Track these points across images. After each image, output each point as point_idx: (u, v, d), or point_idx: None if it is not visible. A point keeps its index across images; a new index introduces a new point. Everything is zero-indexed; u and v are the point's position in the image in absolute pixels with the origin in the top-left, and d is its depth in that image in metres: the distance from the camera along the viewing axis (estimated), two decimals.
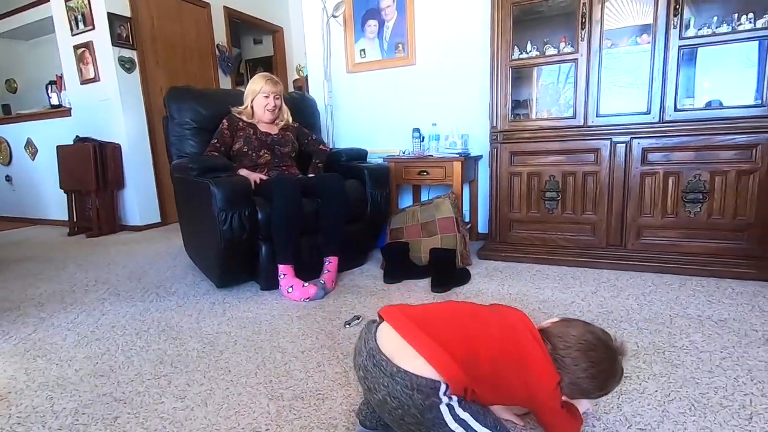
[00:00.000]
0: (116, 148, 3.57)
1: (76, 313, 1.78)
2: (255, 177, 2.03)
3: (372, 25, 2.94)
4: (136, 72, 3.61)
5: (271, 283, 1.94)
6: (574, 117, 2.11)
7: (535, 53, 2.22)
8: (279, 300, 1.84)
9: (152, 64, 3.72)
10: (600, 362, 0.82)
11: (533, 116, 2.42)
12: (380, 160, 2.63)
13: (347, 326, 1.54)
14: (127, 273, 2.35)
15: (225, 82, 4.46)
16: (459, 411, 0.75)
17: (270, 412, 1.06)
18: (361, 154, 2.55)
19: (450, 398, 0.74)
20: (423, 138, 2.74)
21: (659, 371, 1.17)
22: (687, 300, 1.65)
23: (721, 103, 1.96)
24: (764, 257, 1.85)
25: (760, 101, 1.81)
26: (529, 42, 2.25)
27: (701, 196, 1.91)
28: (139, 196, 3.68)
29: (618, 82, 2.16)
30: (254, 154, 2.15)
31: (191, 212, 2.13)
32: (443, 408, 0.74)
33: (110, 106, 3.56)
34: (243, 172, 2.08)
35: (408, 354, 0.76)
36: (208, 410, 1.08)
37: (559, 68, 2.36)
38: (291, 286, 1.84)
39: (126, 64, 3.52)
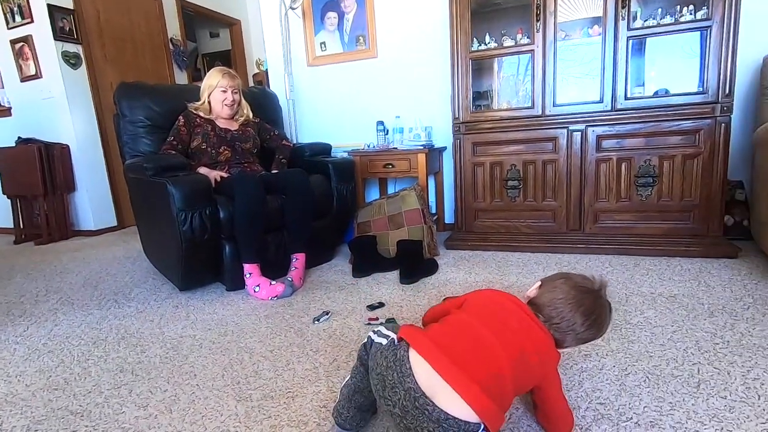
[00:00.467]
0: (64, 149, 3.37)
1: (26, 325, 1.68)
2: (215, 175, 1.97)
3: (332, 17, 2.90)
4: (83, 68, 3.41)
5: (236, 283, 1.89)
6: (532, 107, 2.16)
7: (493, 45, 2.26)
8: (246, 300, 1.79)
9: (100, 59, 3.53)
10: (592, 311, 0.85)
11: (494, 107, 2.47)
12: (345, 154, 2.61)
13: (316, 322, 1.52)
14: (82, 280, 2.23)
15: (181, 78, 4.30)
16: None
17: (238, 413, 1.04)
18: (325, 149, 2.52)
19: None
20: (387, 131, 2.74)
21: (616, 347, 1.23)
22: (641, 279, 1.74)
23: (667, 91, 2.06)
24: (708, 236, 1.97)
25: (701, 89, 1.92)
26: (487, 34, 2.29)
27: (651, 180, 2.01)
28: (93, 199, 3.49)
29: (573, 73, 2.23)
30: (214, 151, 2.08)
31: (149, 214, 2.04)
32: None
33: (55, 104, 3.35)
34: (202, 170, 2.01)
35: (445, 391, 0.72)
36: (172, 417, 1.04)
37: (519, 60, 2.41)
38: (258, 285, 1.80)
39: (71, 60, 3.32)
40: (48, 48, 3.23)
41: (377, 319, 1.51)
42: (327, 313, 1.57)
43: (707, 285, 1.63)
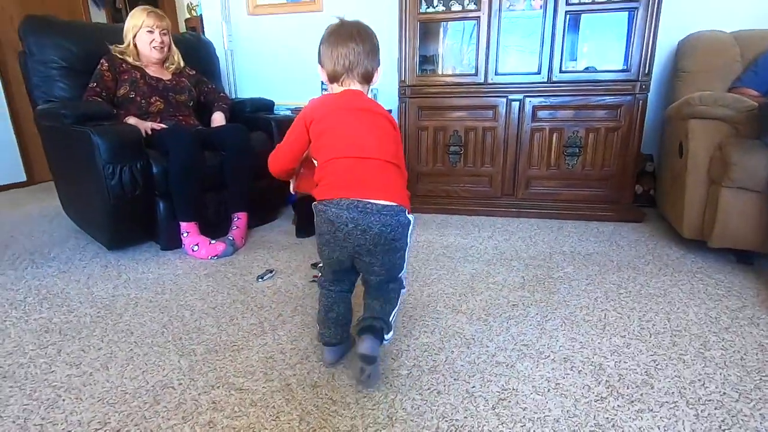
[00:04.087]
0: None
1: None
2: (146, 126, 1.82)
3: None
4: None
5: (172, 243, 1.81)
6: (476, 74, 2.22)
7: (441, 8, 2.26)
8: (183, 259, 1.73)
9: None
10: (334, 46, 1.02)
11: (439, 72, 2.50)
12: (288, 112, 2.53)
13: (260, 280, 1.52)
14: None
15: (99, 17, 3.83)
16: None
17: (182, 367, 1.03)
18: (267, 105, 2.43)
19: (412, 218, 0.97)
20: None
21: (539, 298, 1.37)
22: (563, 240, 1.92)
23: (596, 68, 2.21)
24: (621, 202, 2.20)
25: (626, 66, 2.09)
26: None
27: (578, 150, 2.19)
28: None
29: (514, 43, 2.31)
30: (144, 101, 1.92)
31: (69, 167, 1.86)
32: (411, 224, 0.98)
33: None
34: (132, 120, 1.85)
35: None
36: (109, 373, 1.01)
37: (463, 27, 2.44)
38: (196, 244, 1.74)
39: None
40: None
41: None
42: (271, 272, 1.57)
43: (617, 245, 1.85)
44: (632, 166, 2.15)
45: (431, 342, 1.13)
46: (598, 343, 1.12)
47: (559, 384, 0.96)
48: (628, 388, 0.94)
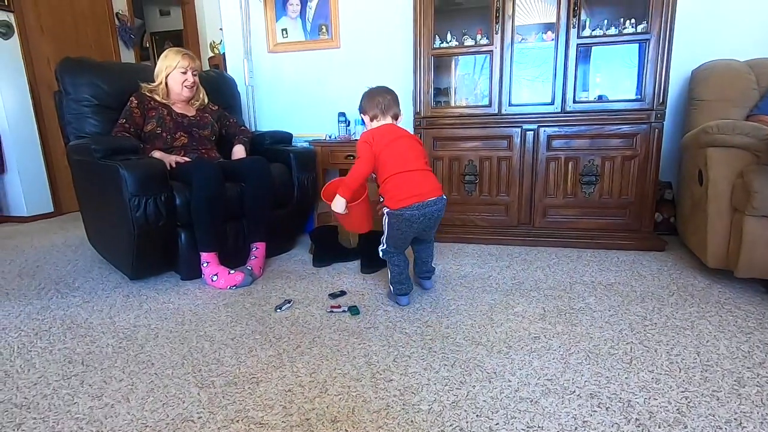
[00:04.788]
0: None
1: None
2: (171, 159, 1.89)
3: (294, 3, 2.85)
4: (15, 38, 3.11)
5: (192, 273, 1.84)
6: (489, 105, 2.26)
7: (454, 43, 2.34)
8: (202, 289, 1.75)
9: (35, 29, 3.24)
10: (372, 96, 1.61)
11: (453, 104, 2.55)
12: (306, 144, 2.60)
13: (278, 311, 1.52)
14: (16, 269, 2.07)
15: (128, 56, 4.04)
16: None
17: (201, 400, 1.03)
18: (286, 138, 2.49)
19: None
20: (349, 122, 2.75)
21: (561, 330, 1.34)
22: (583, 269, 1.89)
23: (607, 98, 2.23)
24: (641, 230, 2.17)
25: (639, 96, 2.10)
26: (449, 32, 2.35)
27: (594, 179, 2.18)
28: (25, 182, 3.21)
29: (527, 75, 2.36)
30: (169, 137, 2.00)
31: (96, 199, 1.92)
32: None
33: None
34: (157, 154, 1.93)
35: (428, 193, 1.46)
36: (131, 405, 1.02)
37: (475, 59, 2.50)
38: (216, 274, 1.77)
39: (1, 29, 3.01)
40: None
41: (339, 306, 1.53)
42: (289, 302, 1.58)
43: (639, 274, 1.81)
44: (651, 194, 2.13)
45: (452, 376, 1.11)
46: (625, 378, 1.08)
47: (586, 422, 0.93)
48: (659, 428, 0.91)
